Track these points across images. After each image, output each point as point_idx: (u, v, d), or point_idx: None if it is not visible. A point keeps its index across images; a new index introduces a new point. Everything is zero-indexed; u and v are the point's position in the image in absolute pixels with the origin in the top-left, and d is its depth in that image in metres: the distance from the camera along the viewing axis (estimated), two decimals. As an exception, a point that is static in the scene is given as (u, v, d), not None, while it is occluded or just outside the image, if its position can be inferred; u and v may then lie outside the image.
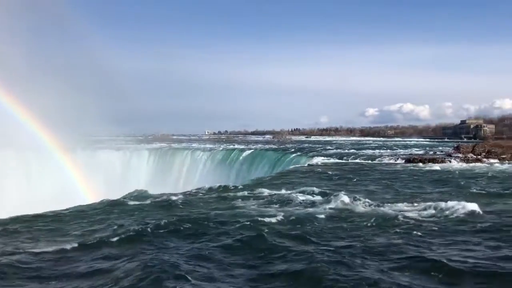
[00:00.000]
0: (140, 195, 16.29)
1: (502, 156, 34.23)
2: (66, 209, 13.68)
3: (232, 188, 18.26)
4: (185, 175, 48.72)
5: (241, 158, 47.54)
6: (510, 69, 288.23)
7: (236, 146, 65.22)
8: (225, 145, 69.78)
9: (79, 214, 13.17)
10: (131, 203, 14.77)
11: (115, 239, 9.78)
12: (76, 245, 9.44)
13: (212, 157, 50.07)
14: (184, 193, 16.93)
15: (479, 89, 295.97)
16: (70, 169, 41.06)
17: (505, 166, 29.31)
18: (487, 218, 11.95)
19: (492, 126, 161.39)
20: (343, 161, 35.29)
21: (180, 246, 9.26)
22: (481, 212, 12.53)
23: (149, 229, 10.50)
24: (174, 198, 15.50)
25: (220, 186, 18.57)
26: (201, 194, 16.70)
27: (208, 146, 64.47)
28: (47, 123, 42.87)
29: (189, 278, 7.14)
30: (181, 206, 14.22)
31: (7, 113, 41.23)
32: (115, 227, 10.95)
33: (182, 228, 10.78)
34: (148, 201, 15.12)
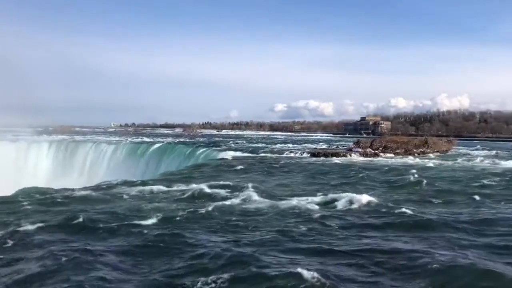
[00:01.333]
0: (36, 190, 15.01)
1: (396, 151, 37.27)
2: None
3: (140, 182, 17.64)
4: (89, 169, 46.26)
5: (149, 151, 46.23)
6: (404, 70, 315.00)
7: (145, 139, 63.42)
8: (132, 138, 67.46)
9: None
10: (25, 199, 13.51)
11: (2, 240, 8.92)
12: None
13: (119, 151, 48.08)
14: (86, 188, 15.97)
15: (377, 88, 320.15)
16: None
17: (399, 160, 31.94)
18: (381, 207, 12.88)
19: (388, 123, 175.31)
20: (254, 155, 35.90)
21: (76, 245, 8.68)
22: (376, 202, 13.50)
23: (40, 228, 9.72)
24: (74, 193, 14.53)
25: (126, 181, 17.84)
26: (105, 189, 15.86)
27: (114, 139, 61.85)
28: None
29: (82, 279, 6.75)
30: (81, 202, 13.35)
31: None
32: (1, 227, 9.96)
33: (80, 226, 10.12)
34: (44, 197, 13.98)
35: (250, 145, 51.43)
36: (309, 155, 35.05)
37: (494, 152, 43.38)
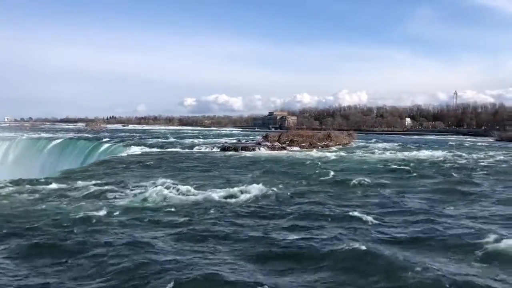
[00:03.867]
0: None
1: (302, 144, 38.92)
2: None
3: (37, 181, 16.38)
4: (-23, 168, 41.99)
5: (48, 147, 43.23)
6: (308, 68, 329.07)
7: (43, 134, 59.18)
8: (29, 133, 62.50)
9: None
10: None
11: None
12: None
13: (13, 147, 44.30)
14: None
15: (284, 84, 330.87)
16: None
17: (304, 153, 33.38)
18: (289, 199, 13.43)
19: (295, 118, 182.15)
20: (163, 150, 35.21)
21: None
22: (284, 194, 14.04)
23: None
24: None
25: (22, 179, 16.45)
26: (-3, 190, 14.52)
27: (9, 134, 56.81)
28: None
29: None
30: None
31: None
32: None
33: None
34: None
35: (159, 140, 50.30)
36: (219, 149, 35.21)
37: (386, 144, 47.32)
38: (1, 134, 57.22)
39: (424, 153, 33.91)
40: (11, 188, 14.71)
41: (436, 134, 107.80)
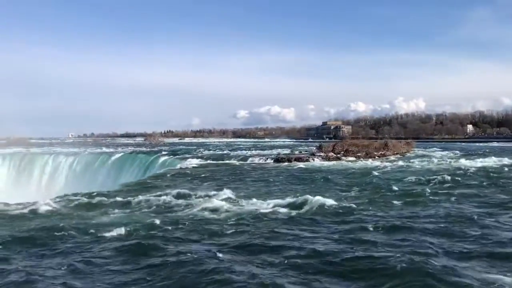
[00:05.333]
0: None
1: (357, 154, 38.06)
2: None
3: (100, 194, 17.12)
4: (47, 182, 44.57)
5: (110, 162, 45.07)
6: (361, 76, 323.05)
7: (104, 149, 61.90)
8: (92, 148, 65.65)
9: None
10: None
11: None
12: None
13: (77, 162, 46.62)
14: (45, 202, 15.33)
15: (337, 93, 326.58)
16: None
17: (360, 163, 32.62)
18: (343, 210, 13.10)
19: (349, 127, 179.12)
20: (218, 162, 35.74)
21: (44, 259, 8.34)
22: (341, 206, 13.71)
23: (3, 245, 9.29)
24: (32, 208, 13.93)
25: (87, 193, 17.28)
26: (64, 203, 15.30)
27: (73, 150, 59.97)
28: None
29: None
30: (40, 217, 12.84)
31: None
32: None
33: (41, 241, 9.73)
34: (2, 213, 13.36)
35: (214, 152, 51.16)
36: (272, 161, 35.23)
37: (450, 152, 45.15)
38: (66, 149, 60.46)
39: (490, 161, 31.92)
40: (75, 201, 15.45)
41: (502, 141, 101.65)
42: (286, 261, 8.15)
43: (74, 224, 11.38)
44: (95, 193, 17.20)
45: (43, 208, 13.98)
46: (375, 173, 23.88)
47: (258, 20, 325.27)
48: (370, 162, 32.53)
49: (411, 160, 33.83)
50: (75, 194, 16.92)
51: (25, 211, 13.59)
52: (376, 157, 37.61)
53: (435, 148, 56.05)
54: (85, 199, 15.78)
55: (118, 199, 15.70)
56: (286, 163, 33.05)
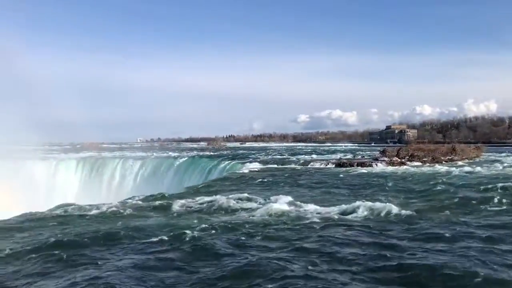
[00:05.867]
0: (68, 207, 15.42)
1: (424, 159, 36.63)
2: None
3: (166, 196, 17.88)
4: (117, 184, 47.07)
5: (175, 165, 46.78)
6: (427, 78, 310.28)
7: (170, 153, 64.14)
8: (158, 153, 68.32)
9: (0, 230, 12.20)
10: (57, 216, 13.93)
11: (40, 256, 9.16)
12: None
13: (145, 166, 48.81)
14: (115, 204, 16.27)
15: (401, 96, 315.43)
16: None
17: (426, 168, 31.35)
18: (409, 219, 12.70)
19: (415, 131, 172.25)
20: (278, 166, 35.92)
21: (113, 260, 8.88)
22: (405, 213, 13.31)
23: (77, 244, 9.98)
24: (104, 209, 14.85)
25: (153, 195, 18.11)
26: (133, 204, 16.15)
27: (141, 154, 62.78)
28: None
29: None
30: (112, 218, 13.64)
31: None
32: (39, 243, 10.22)
33: (114, 241, 10.34)
34: (76, 214, 14.35)
35: (275, 156, 51.44)
36: (334, 165, 34.82)
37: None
38: (134, 154, 63.39)
39: None
40: (143, 203, 16.24)
41: None
42: (355, 268, 8.09)
43: (140, 225, 11.97)
44: (161, 196, 17.98)
45: (113, 210, 14.83)
46: (442, 179, 22.87)
47: (317, 24, 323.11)
48: (436, 168, 31.17)
49: (481, 165, 32.00)
50: (142, 197, 17.79)
51: (96, 212, 14.49)
52: (443, 162, 35.96)
53: (507, 153, 52.55)
54: (152, 202, 16.54)
55: (183, 201, 16.28)
56: (347, 168, 32.51)
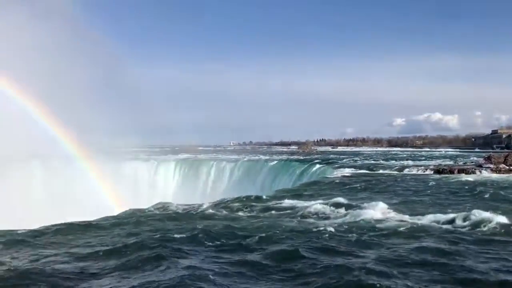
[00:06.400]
0: (166, 206, 16.41)
1: (536, 167, 33.08)
2: (96, 220, 13.89)
3: (258, 198, 18.21)
4: (211, 185, 48.99)
5: (266, 168, 47.47)
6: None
7: (261, 156, 65.16)
8: (250, 155, 69.81)
9: (106, 224, 13.35)
10: (158, 214, 14.92)
11: (142, 250, 9.83)
12: (102, 254, 9.58)
13: (237, 168, 50.20)
14: (210, 204, 16.96)
15: (509, 98, 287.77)
16: (97, 179, 41.84)
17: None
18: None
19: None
20: (371, 172, 34.77)
21: (207, 258, 9.24)
22: (510, 224, 12.13)
23: (176, 241, 10.56)
24: (200, 209, 15.59)
25: (245, 197, 18.55)
26: (227, 205, 16.71)
27: (233, 156, 64.61)
28: (78, 135, 43.84)
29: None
30: (207, 217, 14.27)
31: (36, 123, 42.37)
32: (141, 238, 11.00)
33: (209, 240, 10.77)
34: (174, 212, 15.24)
35: (367, 161, 49.88)
36: (432, 171, 32.82)
37: None
38: (227, 156, 65.46)
39: None
40: (235, 204, 16.72)
41: None
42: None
43: (232, 226, 12.33)
44: (253, 197, 18.37)
45: (207, 210, 15.50)
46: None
47: (413, 23, 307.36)
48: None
49: None
50: (236, 198, 18.32)
51: (193, 211, 15.23)
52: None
53: None
54: (244, 203, 16.98)
55: (273, 204, 16.47)
56: (447, 175, 30.44)
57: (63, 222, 13.06)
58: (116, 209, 19.29)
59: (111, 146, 55.61)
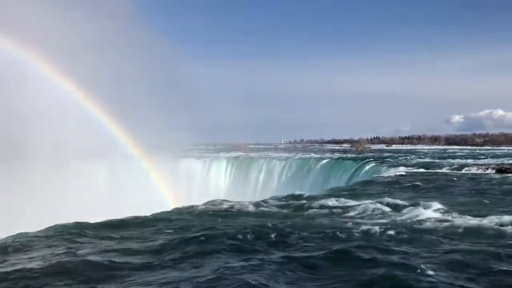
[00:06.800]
0: (218, 203, 16.77)
1: None
2: (152, 215, 14.47)
3: (309, 197, 18.16)
4: (262, 183, 49.30)
5: (317, 167, 47.07)
6: None
7: (312, 155, 64.66)
8: (301, 154, 69.46)
9: (163, 220, 13.84)
10: (209, 211, 15.28)
11: (197, 246, 10.12)
12: (158, 249, 9.97)
13: (288, 166, 50.16)
14: (261, 202, 17.13)
15: None
16: (155, 176, 43.30)
17: None
18: None
19: None
20: (427, 170, 33.61)
21: (261, 256, 9.34)
22: None
23: (224, 238, 10.75)
24: (251, 207, 15.79)
25: (296, 195, 18.55)
26: (277, 203, 16.81)
27: (284, 155, 64.55)
28: (135, 134, 45.49)
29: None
30: (259, 216, 14.43)
31: (99, 124, 44.41)
32: (197, 234, 11.29)
33: (262, 237, 10.88)
34: (225, 209, 15.54)
35: (423, 160, 48.17)
36: (494, 171, 31.24)
37: None
38: (278, 154, 65.55)
39: None
40: (286, 202, 16.81)
41: None
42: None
43: (281, 224, 12.39)
44: (304, 196, 18.34)
45: (258, 208, 15.67)
46: None
47: (473, 16, 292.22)
48: None
49: None
50: (287, 196, 18.38)
51: (244, 209, 15.46)
52: None
53: None
54: (294, 201, 17.01)
55: (325, 203, 16.36)
56: (511, 174, 28.86)
57: (120, 217, 13.73)
58: (170, 205, 19.91)
59: (167, 144, 57.22)
